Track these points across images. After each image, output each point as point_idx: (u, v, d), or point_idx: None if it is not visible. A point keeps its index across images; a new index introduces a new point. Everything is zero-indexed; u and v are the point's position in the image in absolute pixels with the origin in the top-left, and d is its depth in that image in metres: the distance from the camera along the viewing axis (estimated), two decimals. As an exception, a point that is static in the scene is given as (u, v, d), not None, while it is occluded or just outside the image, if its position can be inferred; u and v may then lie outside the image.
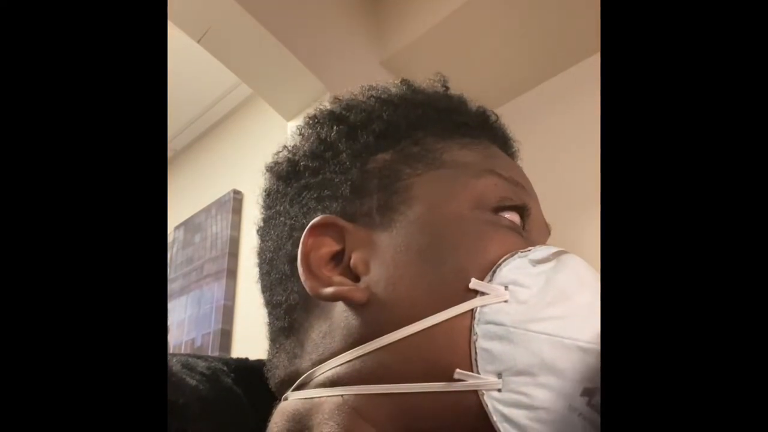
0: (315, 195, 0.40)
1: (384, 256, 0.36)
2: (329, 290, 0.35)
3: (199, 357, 0.41)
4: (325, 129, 0.42)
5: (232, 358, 0.43)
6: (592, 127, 1.56)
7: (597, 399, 0.29)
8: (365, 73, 1.62)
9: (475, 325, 0.31)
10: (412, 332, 0.32)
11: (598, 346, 0.29)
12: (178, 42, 1.54)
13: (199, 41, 1.40)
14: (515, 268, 0.33)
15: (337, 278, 0.36)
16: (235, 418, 0.37)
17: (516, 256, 0.33)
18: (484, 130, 0.45)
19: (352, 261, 0.36)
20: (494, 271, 0.33)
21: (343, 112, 0.43)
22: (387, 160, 0.40)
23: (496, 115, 0.49)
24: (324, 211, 0.39)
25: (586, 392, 0.29)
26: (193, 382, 0.36)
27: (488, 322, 0.31)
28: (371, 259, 0.36)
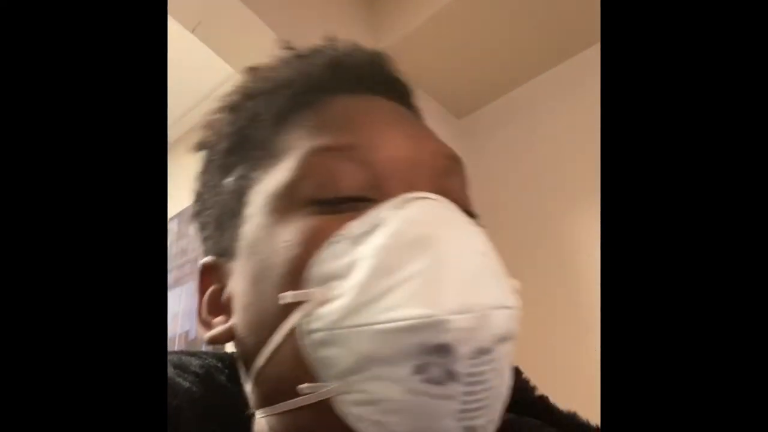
0: (199, 227, 0.41)
1: (236, 288, 0.36)
2: (206, 336, 0.37)
3: (192, 354, 0.41)
4: (200, 159, 0.42)
5: (227, 353, 0.42)
6: (592, 118, 1.56)
7: (432, 371, 0.27)
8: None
9: (304, 338, 0.30)
10: (262, 363, 0.32)
11: (422, 319, 0.27)
12: (174, 32, 1.53)
13: (192, 31, 1.39)
14: (332, 258, 0.31)
15: (216, 320, 0.37)
16: (229, 419, 0.36)
17: (328, 244, 0.31)
18: (327, 86, 0.40)
19: (223, 298, 0.37)
20: (308, 274, 0.31)
21: (206, 132, 0.42)
22: (235, 178, 0.38)
23: (350, 53, 0.42)
24: (205, 248, 0.40)
25: (418, 370, 0.27)
26: (185, 384, 0.36)
27: (311, 332, 0.30)
28: (233, 293, 0.36)
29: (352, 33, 1.67)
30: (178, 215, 2.29)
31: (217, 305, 0.37)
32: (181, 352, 0.40)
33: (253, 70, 0.42)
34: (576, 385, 1.14)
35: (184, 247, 2.19)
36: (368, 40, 1.70)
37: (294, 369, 0.30)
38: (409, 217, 0.30)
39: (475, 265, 0.30)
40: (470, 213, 0.36)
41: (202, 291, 0.39)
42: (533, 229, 1.76)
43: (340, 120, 0.36)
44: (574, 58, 1.78)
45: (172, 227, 2.31)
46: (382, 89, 0.40)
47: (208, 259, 0.39)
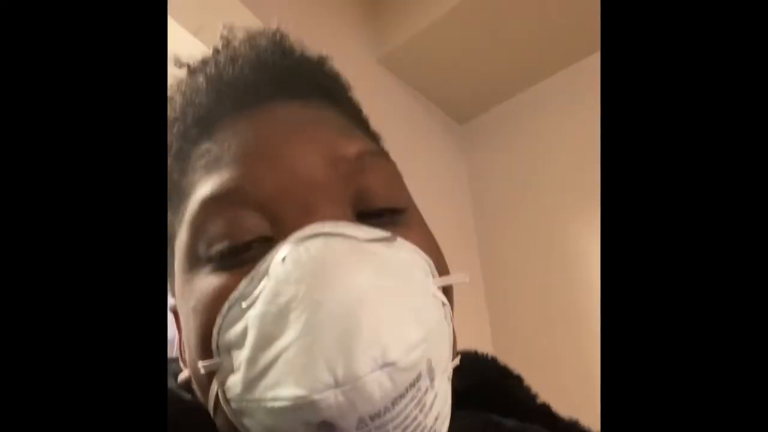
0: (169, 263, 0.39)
1: (183, 337, 0.35)
2: (179, 378, 0.37)
3: None
4: None
5: None
6: (594, 124, 1.56)
7: None
8: (361, 70, 1.62)
9: (226, 405, 0.30)
10: (212, 415, 0.32)
11: (297, 400, 0.26)
12: (175, 33, 1.53)
13: (195, 34, 1.39)
14: (230, 324, 0.29)
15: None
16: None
17: (227, 309, 0.30)
18: (213, 112, 0.37)
19: None
20: (215, 341, 0.30)
21: None
22: (168, 222, 0.37)
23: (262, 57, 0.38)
24: (169, 284, 0.38)
25: None
26: (187, 396, 0.35)
27: (227, 401, 0.29)
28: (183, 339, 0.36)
29: (355, 39, 1.67)
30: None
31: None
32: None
33: None
34: (578, 392, 1.14)
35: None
36: (369, 47, 1.70)
37: (230, 429, 0.30)
38: (286, 276, 0.28)
39: (353, 320, 0.26)
40: (392, 210, 0.34)
41: (179, 329, 0.39)
42: (534, 235, 1.76)
43: (226, 156, 0.33)
44: (575, 64, 1.78)
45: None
46: (274, 92, 0.37)
47: (171, 301, 0.38)
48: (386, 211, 0.33)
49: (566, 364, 1.51)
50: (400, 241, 0.32)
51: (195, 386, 0.34)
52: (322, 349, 0.26)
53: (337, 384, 0.25)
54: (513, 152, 1.90)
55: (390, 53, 1.69)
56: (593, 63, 1.72)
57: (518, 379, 0.45)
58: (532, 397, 0.44)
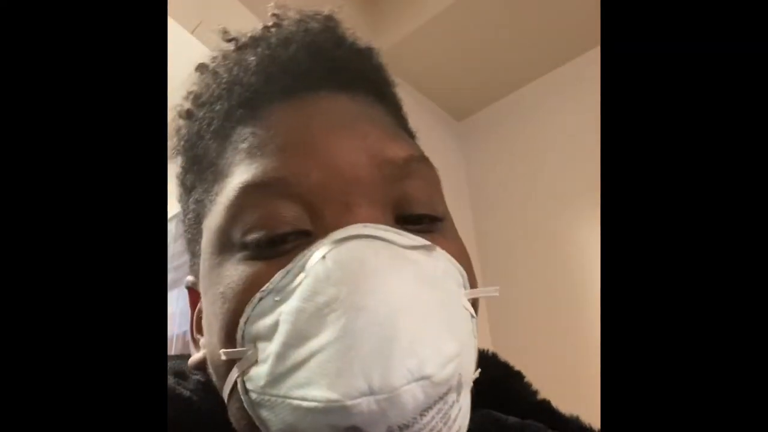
0: (188, 239, 0.39)
1: (204, 318, 0.35)
2: (189, 361, 0.37)
3: None
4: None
5: None
6: (592, 120, 1.56)
7: None
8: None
9: (243, 395, 0.29)
10: (225, 400, 0.32)
11: (328, 403, 0.25)
12: (175, 30, 1.52)
13: (192, 32, 1.39)
14: (259, 316, 0.29)
15: (202, 340, 0.36)
16: (230, 428, 0.36)
17: (257, 299, 0.29)
18: (261, 93, 0.36)
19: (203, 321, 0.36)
20: (241, 330, 0.29)
21: (173, 140, 0.40)
22: (194, 201, 0.37)
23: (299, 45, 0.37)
24: (191, 261, 0.39)
25: None
26: (186, 393, 0.35)
27: (246, 392, 0.29)
28: (203, 321, 0.36)
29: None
30: (176, 216, 2.27)
31: (201, 326, 0.37)
32: (182, 357, 0.40)
33: (202, 69, 0.39)
34: (578, 389, 1.14)
35: (181, 248, 2.18)
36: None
37: (243, 418, 0.30)
38: (327, 275, 0.28)
39: (393, 330, 0.26)
40: (432, 217, 0.34)
41: (192, 307, 0.39)
42: (532, 232, 1.76)
43: (272, 143, 0.33)
44: (573, 61, 1.78)
45: (170, 228, 2.30)
46: (324, 82, 0.36)
47: (189, 278, 0.39)
48: (425, 218, 0.33)
49: (565, 360, 1.51)
50: (439, 251, 0.32)
51: (211, 369, 0.34)
52: (359, 356, 0.25)
53: (371, 392, 0.25)
54: (511, 149, 1.90)
55: (387, 50, 1.69)
56: (590, 60, 1.72)
57: (518, 376, 0.45)
58: (533, 394, 0.44)
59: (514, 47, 1.73)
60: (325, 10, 0.39)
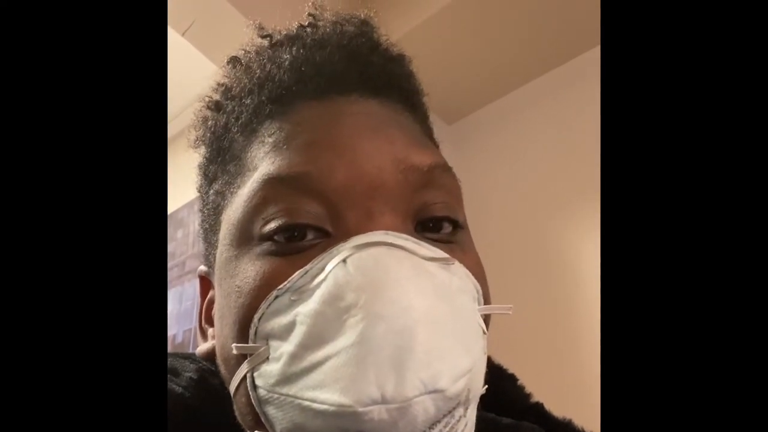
0: (204, 228, 0.39)
1: (215, 310, 0.35)
2: (197, 350, 0.37)
3: (187, 357, 0.40)
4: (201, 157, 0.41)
5: None
6: (583, 123, 1.56)
7: None
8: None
9: (252, 391, 0.29)
10: (231, 393, 0.32)
11: (340, 407, 0.25)
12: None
13: (183, 34, 1.38)
14: (274, 314, 0.29)
15: (210, 331, 0.37)
16: (221, 424, 0.35)
17: (273, 297, 0.29)
18: (293, 91, 0.36)
19: (213, 311, 0.36)
20: (255, 326, 0.29)
21: (196, 131, 0.41)
22: (215, 192, 0.37)
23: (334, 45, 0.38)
24: (206, 251, 0.39)
25: None
26: (178, 389, 0.35)
27: (255, 387, 0.29)
28: (214, 311, 0.36)
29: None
30: (168, 217, 2.27)
31: (211, 316, 0.37)
32: (175, 355, 0.40)
33: (234, 62, 0.40)
34: (571, 392, 1.14)
35: (172, 251, 2.17)
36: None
37: (249, 413, 0.30)
38: (347, 280, 0.28)
39: (410, 341, 0.26)
40: (455, 222, 0.34)
41: (202, 296, 0.39)
42: (525, 236, 1.76)
43: (299, 139, 0.33)
44: (565, 64, 1.79)
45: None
46: (356, 85, 0.36)
47: (202, 268, 0.39)
48: (446, 226, 0.33)
49: (560, 363, 1.51)
50: (457, 265, 0.32)
51: (219, 361, 0.34)
52: (374, 363, 0.25)
53: (384, 401, 0.25)
54: (502, 152, 1.90)
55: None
56: (583, 63, 1.73)
57: (512, 379, 0.45)
58: (526, 397, 0.44)
59: (504, 51, 1.74)
60: (361, 14, 0.40)
